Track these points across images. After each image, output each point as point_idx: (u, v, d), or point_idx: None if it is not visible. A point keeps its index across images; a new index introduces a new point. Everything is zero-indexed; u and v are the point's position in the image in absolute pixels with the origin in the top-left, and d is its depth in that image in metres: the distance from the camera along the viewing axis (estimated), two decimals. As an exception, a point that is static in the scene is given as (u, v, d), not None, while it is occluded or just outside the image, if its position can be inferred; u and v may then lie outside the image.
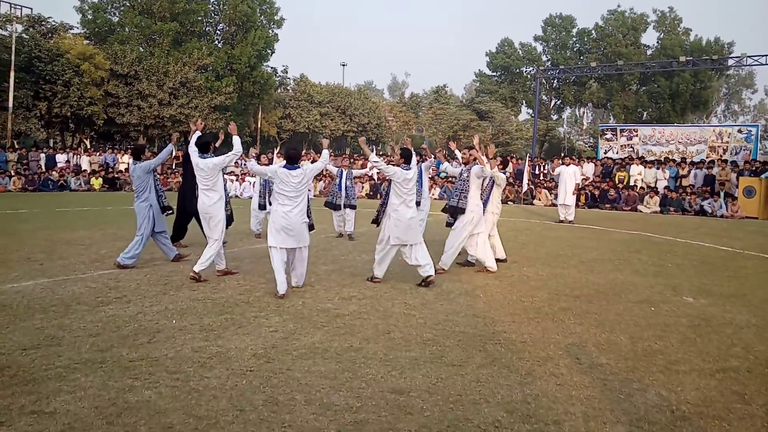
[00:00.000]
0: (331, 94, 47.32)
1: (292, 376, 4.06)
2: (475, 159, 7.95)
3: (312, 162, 7.91)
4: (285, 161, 6.61)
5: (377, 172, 26.46)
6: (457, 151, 9.24)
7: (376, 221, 7.59)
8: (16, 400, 3.54)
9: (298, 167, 6.52)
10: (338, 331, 5.14)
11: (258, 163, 7.65)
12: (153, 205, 7.88)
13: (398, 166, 7.11)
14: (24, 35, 30.16)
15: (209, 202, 7.01)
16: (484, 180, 8.08)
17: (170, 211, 8.30)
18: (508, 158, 8.95)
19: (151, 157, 9.12)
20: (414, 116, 60.31)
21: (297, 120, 44.44)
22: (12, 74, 26.82)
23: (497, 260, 8.45)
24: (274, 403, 3.61)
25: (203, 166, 7.00)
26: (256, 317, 5.51)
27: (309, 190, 6.87)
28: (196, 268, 6.90)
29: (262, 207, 10.96)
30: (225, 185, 7.37)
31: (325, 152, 7.07)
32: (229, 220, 7.43)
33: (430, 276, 6.99)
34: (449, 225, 8.16)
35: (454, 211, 7.94)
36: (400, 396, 3.77)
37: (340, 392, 3.81)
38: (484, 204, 8.23)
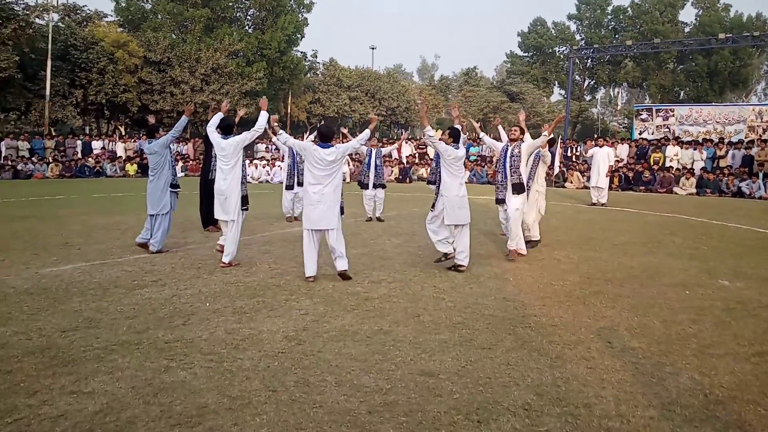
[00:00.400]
0: (360, 78, 47.20)
1: (322, 358, 4.12)
2: (523, 135, 7.91)
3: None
4: (318, 139, 6.54)
5: (407, 155, 26.42)
6: (481, 132, 9.12)
7: (434, 205, 7.25)
8: (56, 380, 3.67)
9: (331, 146, 6.39)
10: (368, 314, 5.18)
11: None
12: (167, 181, 7.81)
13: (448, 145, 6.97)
14: (60, 24, 30.76)
15: (225, 184, 6.98)
16: (529, 158, 8.04)
17: (179, 189, 8.17)
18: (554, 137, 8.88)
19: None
20: (444, 99, 59.84)
21: (326, 104, 44.48)
22: (49, 63, 27.41)
23: (528, 242, 8.39)
24: (306, 384, 3.67)
25: (225, 145, 6.98)
26: (287, 300, 5.58)
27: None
28: (225, 260, 6.96)
29: (289, 187, 11.04)
30: (244, 166, 7.29)
31: (367, 132, 6.95)
32: (244, 201, 7.19)
33: (463, 266, 6.94)
34: (499, 202, 7.95)
35: (520, 189, 7.67)
36: (430, 378, 3.80)
37: (370, 374, 3.85)
38: (528, 180, 8.25)
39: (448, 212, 6.87)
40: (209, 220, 9.46)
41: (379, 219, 11.41)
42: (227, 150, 6.98)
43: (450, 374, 3.87)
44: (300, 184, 11.18)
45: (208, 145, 8.92)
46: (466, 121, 7.56)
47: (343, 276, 6.43)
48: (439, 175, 7.21)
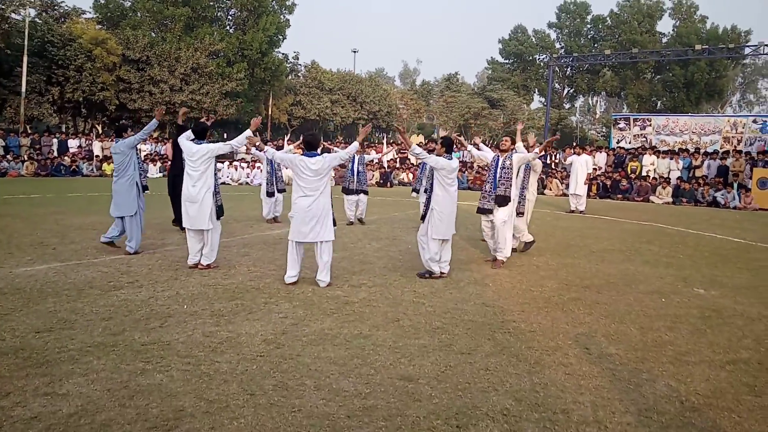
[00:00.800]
0: (342, 81, 47.15)
1: (301, 361, 4.09)
2: (514, 145, 8.02)
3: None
4: (303, 148, 6.41)
5: (388, 160, 26.44)
6: (469, 145, 9.11)
7: (423, 217, 7.04)
8: (30, 381, 3.59)
9: (317, 154, 6.27)
10: (348, 318, 5.16)
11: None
12: (137, 183, 7.68)
13: (439, 156, 6.84)
14: (37, 20, 30.27)
15: (195, 191, 6.74)
16: (520, 167, 8.13)
17: (147, 190, 8.01)
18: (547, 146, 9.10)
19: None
20: (425, 104, 60.06)
21: (308, 107, 44.34)
22: (25, 59, 26.94)
23: (526, 244, 8.79)
24: (284, 388, 3.64)
25: (195, 151, 6.77)
26: (267, 303, 5.54)
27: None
28: (205, 262, 6.89)
29: (270, 194, 11.05)
30: (216, 175, 7.02)
31: (355, 144, 6.87)
32: (220, 211, 7.01)
33: (445, 273, 6.93)
34: (482, 212, 7.84)
35: (504, 201, 7.58)
36: (409, 383, 3.79)
37: (349, 378, 3.83)
38: (522, 189, 8.46)
39: (437, 226, 6.71)
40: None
41: (360, 221, 11.43)
42: (196, 156, 6.76)
43: (429, 379, 3.87)
44: (280, 191, 11.18)
45: (177, 148, 8.79)
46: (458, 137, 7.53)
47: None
48: (431, 188, 7.01)
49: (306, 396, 3.55)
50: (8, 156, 23.27)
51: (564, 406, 3.55)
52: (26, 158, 23.53)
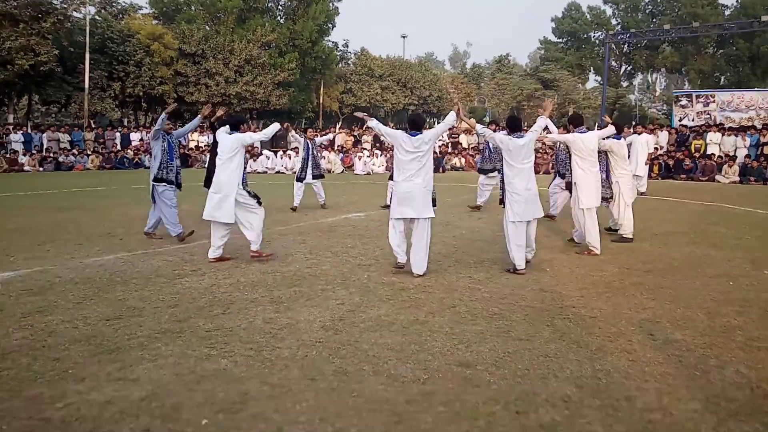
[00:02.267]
0: (391, 67, 47.01)
1: (359, 347, 4.14)
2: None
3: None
4: (409, 128, 6.43)
5: (440, 145, 26.24)
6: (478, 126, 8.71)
7: (502, 200, 7.01)
8: (102, 367, 3.77)
9: (419, 133, 6.26)
10: (404, 305, 5.18)
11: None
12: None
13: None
14: (96, 17, 31.36)
15: (222, 182, 6.73)
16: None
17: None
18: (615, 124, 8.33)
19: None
20: (476, 87, 59.30)
21: (358, 94, 44.45)
22: (87, 56, 28.01)
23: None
24: (344, 374, 3.70)
25: (225, 140, 6.85)
26: (324, 290, 5.62)
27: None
28: (254, 248, 6.88)
29: (299, 180, 11.34)
30: (246, 165, 7.06)
31: (452, 114, 6.58)
32: (255, 197, 6.94)
33: (528, 261, 6.66)
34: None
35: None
36: (467, 369, 3.79)
37: (407, 364, 3.86)
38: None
39: (513, 208, 6.43)
40: None
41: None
42: (225, 147, 6.81)
43: (487, 365, 3.86)
44: (316, 176, 11.41)
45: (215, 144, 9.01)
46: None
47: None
48: (502, 169, 6.85)
49: (365, 381, 3.59)
50: (74, 150, 24.33)
51: (627, 393, 3.47)
52: (91, 152, 24.55)
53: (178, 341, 4.23)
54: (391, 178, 11.12)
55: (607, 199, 8.10)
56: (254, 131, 7.65)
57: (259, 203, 6.93)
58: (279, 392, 3.43)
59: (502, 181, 6.95)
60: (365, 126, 35.84)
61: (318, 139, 12.31)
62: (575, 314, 4.95)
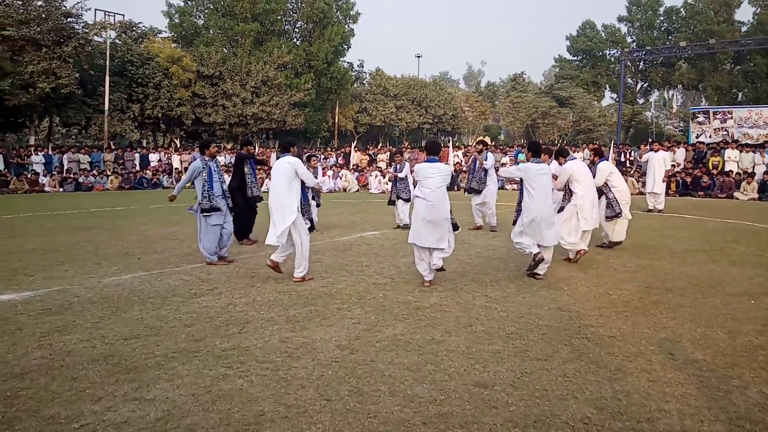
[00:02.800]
0: (406, 87, 47.37)
1: (375, 367, 4.12)
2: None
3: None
4: (426, 154, 6.76)
5: (455, 163, 26.22)
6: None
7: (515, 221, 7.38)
8: (119, 387, 3.78)
9: (437, 160, 6.63)
10: (420, 324, 5.15)
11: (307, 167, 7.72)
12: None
13: (528, 161, 7.06)
14: (117, 41, 32.04)
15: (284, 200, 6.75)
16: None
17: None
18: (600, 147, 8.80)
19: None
20: (491, 105, 59.38)
21: (373, 114, 44.80)
22: (107, 79, 28.56)
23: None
24: (360, 394, 3.68)
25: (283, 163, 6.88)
26: (339, 309, 5.61)
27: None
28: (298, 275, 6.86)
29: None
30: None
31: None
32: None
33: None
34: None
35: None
36: (485, 390, 3.75)
37: (423, 384, 3.82)
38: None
39: (528, 230, 6.84)
40: (245, 234, 9.55)
41: (492, 229, 11.40)
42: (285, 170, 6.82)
43: (505, 386, 3.81)
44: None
45: (240, 161, 9.50)
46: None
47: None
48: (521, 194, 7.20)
49: (381, 402, 3.57)
50: (94, 171, 24.70)
51: (649, 415, 3.41)
52: (111, 173, 24.91)
53: (194, 360, 4.23)
54: (391, 203, 11.36)
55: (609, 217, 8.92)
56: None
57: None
58: (294, 413, 3.42)
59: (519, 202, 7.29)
60: (380, 145, 35.92)
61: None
62: (594, 333, 4.89)
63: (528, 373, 4.03)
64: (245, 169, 9.50)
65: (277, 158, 7.16)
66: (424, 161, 6.64)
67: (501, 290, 6.39)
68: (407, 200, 11.09)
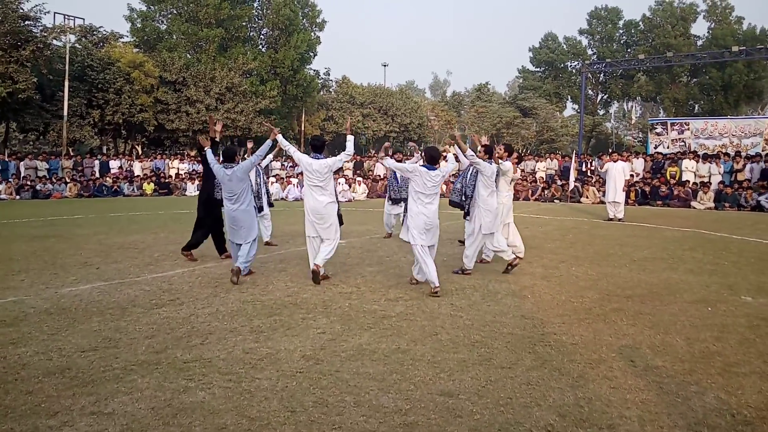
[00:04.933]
0: (372, 95, 47.49)
1: (341, 377, 4.09)
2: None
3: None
4: (425, 161, 7.00)
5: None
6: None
7: (468, 213, 7.93)
8: (76, 401, 3.67)
9: (437, 168, 6.86)
10: (385, 333, 5.14)
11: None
12: (252, 206, 7.62)
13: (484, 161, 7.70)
14: (77, 45, 31.33)
15: (321, 204, 7.13)
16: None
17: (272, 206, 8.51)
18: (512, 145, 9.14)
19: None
20: (456, 115, 59.96)
21: (339, 122, 44.75)
22: (66, 84, 27.89)
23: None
24: (324, 405, 3.64)
25: (317, 167, 7.12)
26: (304, 319, 5.56)
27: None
28: (320, 265, 7.12)
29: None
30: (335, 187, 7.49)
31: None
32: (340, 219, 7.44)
33: (515, 259, 7.80)
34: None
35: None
36: (450, 399, 3.75)
37: (389, 394, 3.81)
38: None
39: (484, 221, 7.61)
40: (224, 247, 8.87)
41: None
42: (320, 172, 7.13)
43: (470, 394, 3.83)
44: (269, 204, 10.55)
45: (206, 165, 8.33)
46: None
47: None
48: (473, 189, 7.84)
49: (346, 413, 3.54)
50: (52, 178, 24.05)
51: (610, 421, 3.46)
52: (69, 180, 24.28)
53: (154, 373, 4.13)
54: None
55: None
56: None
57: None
58: (258, 425, 3.36)
59: (470, 197, 7.88)
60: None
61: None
62: (557, 341, 4.95)
63: (492, 381, 4.05)
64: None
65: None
66: (423, 167, 6.84)
67: (466, 298, 6.43)
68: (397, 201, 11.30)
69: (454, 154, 7.89)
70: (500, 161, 8.20)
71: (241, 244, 7.38)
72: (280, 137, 7.44)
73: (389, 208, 11.33)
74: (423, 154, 7.36)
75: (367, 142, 50.63)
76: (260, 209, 9.69)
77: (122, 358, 4.44)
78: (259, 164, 10.24)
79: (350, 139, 7.55)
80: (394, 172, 11.46)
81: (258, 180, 10.21)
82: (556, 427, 3.39)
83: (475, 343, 4.87)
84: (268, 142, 7.59)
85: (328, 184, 7.17)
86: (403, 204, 11.32)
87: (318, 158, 7.21)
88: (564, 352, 4.66)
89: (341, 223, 7.40)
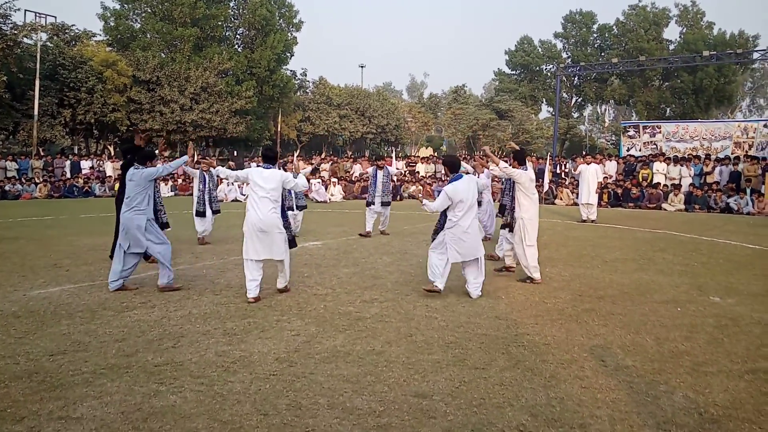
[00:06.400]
0: (349, 96, 47.42)
1: (314, 380, 4.07)
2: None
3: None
4: (448, 170, 6.78)
5: (396, 173, 26.39)
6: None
7: (510, 225, 7.82)
8: (44, 405, 3.60)
9: (462, 175, 6.64)
10: (360, 335, 5.14)
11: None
12: (150, 219, 6.81)
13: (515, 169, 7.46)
14: (48, 43, 30.70)
15: (268, 218, 6.33)
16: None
17: (168, 228, 7.79)
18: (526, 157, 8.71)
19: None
20: (433, 117, 60.18)
21: (316, 123, 44.62)
22: (37, 83, 27.32)
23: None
24: (298, 408, 3.62)
25: (269, 175, 6.43)
26: (279, 321, 5.53)
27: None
28: (283, 284, 6.72)
29: (200, 214, 10.59)
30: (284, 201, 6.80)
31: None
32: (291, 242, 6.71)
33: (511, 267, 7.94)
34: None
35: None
36: (423, 400, 3.76)
37: (362, 396, 3.81)
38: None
39: (530, 232, 7.35)
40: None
41: (383, 232, 12.05)
42: (274, 179, 6.42)
43: (444, 395, 3.84)
44: (215, 211, 10.70)
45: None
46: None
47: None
48: (512, 199, 7.73)
49: (320, 415, 3.52)
50: (21, 179, 23.55)
51: (581, 421, 3.50)
52: (39, 180, 23.80)
53: (125, 377, 4.07)
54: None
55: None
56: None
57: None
58: (230, 429, 3.33)
59: (512, 209, 7.81)
60: (323, 154, 35.79)
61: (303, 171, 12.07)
62: (530, 341, 4.99)
63: (466, 382, 4.07)
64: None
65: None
66: (449, 181, 6.54)
67: (441, 299, 6.45)
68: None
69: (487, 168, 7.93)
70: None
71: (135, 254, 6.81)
72: (220, 169, 6.90)
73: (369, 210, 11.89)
74: (444, 166, 7.01)
75: (344, 143, 50.54)
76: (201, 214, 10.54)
77: (92, 361, 4.36)
78: (207, 171, 10.39)
79: (301, 175, 7.25)
80: (375, 177, 11.64)
81: (201, 187, 10.58)
82: (528, 426, 3.42)
83: (450, 344, 4.89)
84: (183, 159, 7.71)
85: (277, 197, 6.42)
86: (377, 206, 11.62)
87: (269, 168, 6.50)
88: (537, 353, 4.70)
89: (293, 245, 6.70)
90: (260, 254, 6.35)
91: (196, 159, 8.39)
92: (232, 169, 7.10)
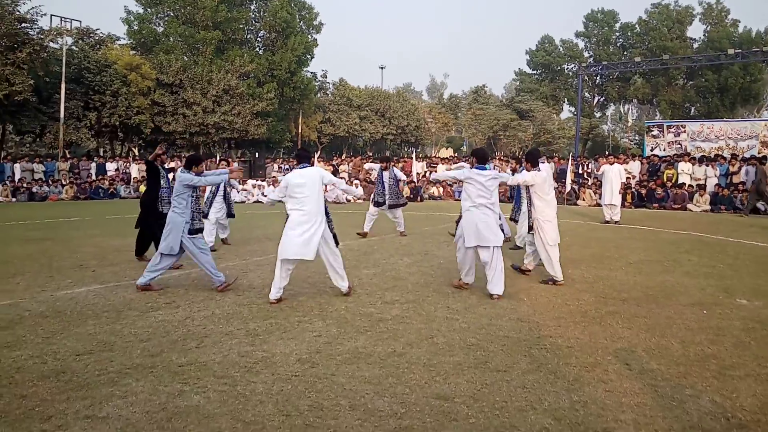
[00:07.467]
0: (370, 98, 47.47)
1: (336, 381, 4.08)
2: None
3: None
4: (476, 161, 6.86)
5: (417, 173, 26.36)
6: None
7: (530, 227, 7.62)
8: (71, 404, 3.66)
9: (486, 168, 6.75)
10: (381, 336, 5.14)
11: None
12: (188, 222, 6.84)
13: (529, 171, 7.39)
14: (74, 47, 31.27)
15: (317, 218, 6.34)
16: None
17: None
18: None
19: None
20: (453, 117, 60.00)
21: (337, 124, 44.75)
22: (63, 86, 27.82)
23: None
24: (320, 409, 3.64)
25: (312, 173, 6.41)
26: (300, 322, 5.56)
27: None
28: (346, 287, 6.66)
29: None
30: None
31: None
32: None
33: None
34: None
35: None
36: (445, 402, 3.75)
37: (384, 398, 3.81)
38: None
39: (551, 234, 7.29)
40: (144, 249, 8.88)
41: (402, 234, 11.95)
42: (314, 179, 6.37)
43: (465, 398, 3.82)
44: (230, 215, 10.52)
45: (153, 172, 8.65)
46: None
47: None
48: (530, 202, 7.54)
49: (341, 417, 3.54)
50: (48, 180, 23.99)
51: (605, 425, 3.46)
52: (66, 182, 24.23)
53: (149, 377, 4.13)
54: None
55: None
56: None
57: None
58: (253, 429, 3.36)
59: (528, 211, 7.64)
60: (343, 155, 35.85)
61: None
62: (552, 344, 4.95)
63: (488, 384, 4.05)
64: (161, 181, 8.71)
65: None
66: (474, 167, 6.75)
67: (462, 301, 6.43)
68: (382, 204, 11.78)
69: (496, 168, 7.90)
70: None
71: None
72: (271, 195, 6.93)
73: (372, 210, 11.91)
74: (472, 157, 7.13)
75: (364, 145, 50.63)
76: (206, 215, 9.88)
77: (117, 361, 4.43)
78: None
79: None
80: (381, 177, 11.64)
81: (213, 189, 10.25)
82: (551, 430, 3.39)
83: (471, 346, 4.87)
84: (223, 174, 7.28)
85: (320, 196, 6.37)
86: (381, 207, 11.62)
87: (305, 167, 6.44)
88: (559, 355, 4.66)
89: (337, 243, 6.64)
90: (302, 255, 6.22)
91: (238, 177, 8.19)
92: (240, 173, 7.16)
